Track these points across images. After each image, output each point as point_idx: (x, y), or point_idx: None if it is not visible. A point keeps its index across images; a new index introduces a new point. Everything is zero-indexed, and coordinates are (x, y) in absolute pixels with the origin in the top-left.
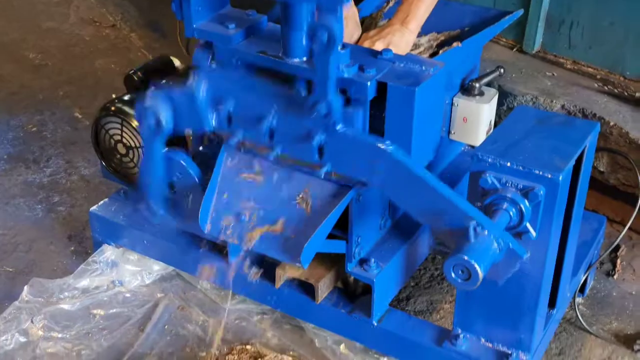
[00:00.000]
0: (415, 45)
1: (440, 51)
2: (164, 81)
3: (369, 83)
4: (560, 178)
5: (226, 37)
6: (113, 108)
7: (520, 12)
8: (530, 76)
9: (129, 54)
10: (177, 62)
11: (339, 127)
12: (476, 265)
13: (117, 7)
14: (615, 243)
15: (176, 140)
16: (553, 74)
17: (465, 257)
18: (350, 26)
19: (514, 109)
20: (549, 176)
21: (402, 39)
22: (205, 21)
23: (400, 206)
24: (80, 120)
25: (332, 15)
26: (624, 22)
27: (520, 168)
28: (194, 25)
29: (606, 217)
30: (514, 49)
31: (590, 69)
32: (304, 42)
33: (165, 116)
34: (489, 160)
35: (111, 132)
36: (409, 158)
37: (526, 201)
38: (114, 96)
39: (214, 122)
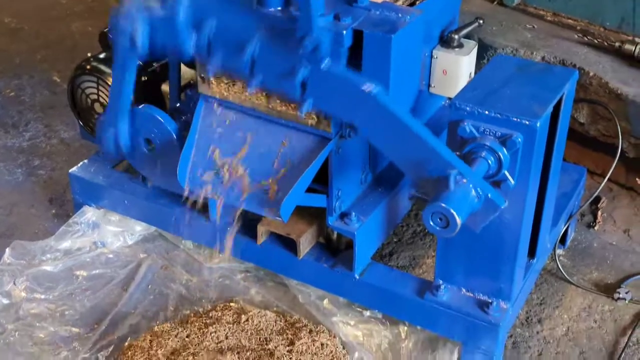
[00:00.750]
0: None
1: (418, 1)
2: None
3: (344, 32)
4: (538, 125)
5: None
6: (88, 67)
7: None
8: (510, 29)
9: (107, 16)
10: None
11: (324, 63)
12: (454, 213)
13: None
14: (595, 194)
15: (152, 98)
16: (533, 26)
17: (444, 205)
18: None
19: (493, 57)
20: (527, 123)
21: None
22: None
23: (380, 150)
24: (58, 84)
25: None
26: None
27: (498, 116)
28: None
29: (587, 169)
30: (494, 2)
31: (570, 21)
32: None
33: (141, 35)
34: (467, 108)
35: (87, 91)
36: (394, 102)
37: (504, 149)
38: (89, 55)
39: (193, 47)
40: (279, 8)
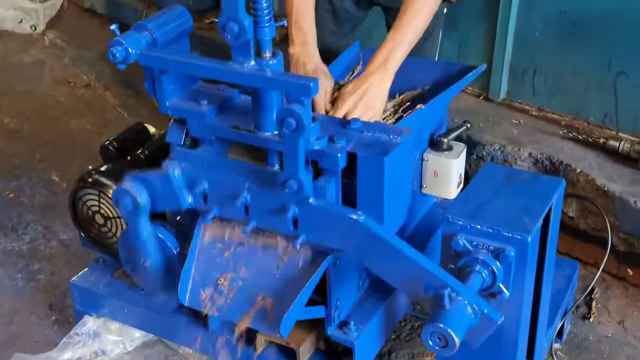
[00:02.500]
0: (384, 111)
1: (405, 115)
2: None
3: (339, 154)
4: (529, 239)
5: (200, 113)
6: (90, 180)
7: (484, 67)
8: (496, 124)
9: (105, 112)
10: (152, 129)
11: (311, 200)
12: (452, 333)
13: (91, 67)
14: (590, 287)
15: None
16: (519, 122)
17: (442, 325)
18: (322, 78)
19: (482, 166)
20: (518, 237)
21: (380, 88)
22: (177, 98)
23: (375, 273)
24: (57, 183)
25: (300, 104)
26: (584, 70)
27: (490, 230)
28: (167, 104)
29: (579, 260)
30: (481, 97)
31: (555, 116)
32: (274, 117)
33: (142, 198)
34: (460, 222)
35: (89, 203)
36: (381, 227)
37: (498, 262)
38: (90, 167)
39: (190, 200)
40: (276, 132)
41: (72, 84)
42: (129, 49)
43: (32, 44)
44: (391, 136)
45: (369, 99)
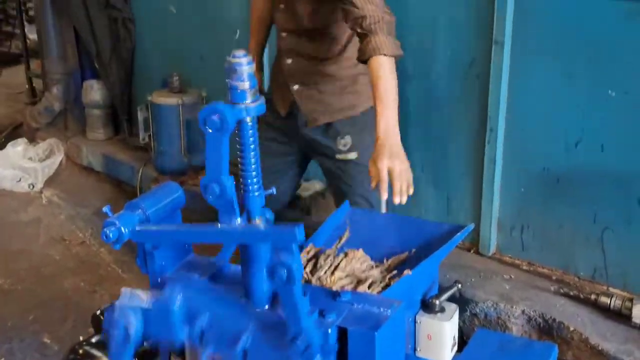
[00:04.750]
0: (367, 279)
1: (392, 282)
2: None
3: (330, 330)
4: None
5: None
6: (81, 351)
7: (471, 226)
8: (488, 279)
9: (99, 269)
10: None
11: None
12: None
13: (86, 223)
14: None
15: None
16: (510, 277)
17: None
18: None
19: (475, 332)
20: None
21: (398, 146)
22: (169, 272)
23: None
24: (49, 345)
25: (288, 253)
26: (571, 225)
27: None
28: (159, 279)
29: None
30: (471, 251)
31: (545, 270)
32: (264, 288)
33: (134, 327)
34: None
35: None
36: None
37: None
38: (81, 338)
39: (185, 339)
40: (266, 307)
41: (67, 242)
42: (122, 229)
43: (29, 203)
44: (382, 309)
45: (398, 154)
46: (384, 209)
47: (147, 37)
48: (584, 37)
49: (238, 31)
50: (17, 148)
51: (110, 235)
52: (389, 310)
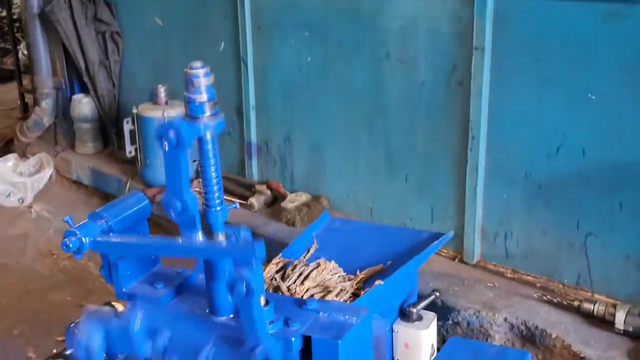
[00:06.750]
0: (341, 290)
1: (362, 292)
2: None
3: (293, 339)
4: None
5: (154, 298)
6: None
7: (451, 234)
8: (472, 288)
9: (86, 284)
10: (120, 308)
11: None
12: None
13: None
14: None
15: None
16: (494, 284)
17: None
18: None
19: (448, 339)
20: None
21: None
22: (135, 283)
23: None
24: None
25: (248, 268)
26: (554, 232)
27: None
28: (123, 289)
29: None
30: (456, 259)
31: (530, 277)
32: (227, 301)
33: (96, 345)
34: None
35: None
36: None
37: None
38: (54, 351)
39: (148, 353)
40: (231, 316)
41: (55, 256)
42: (83, 239)
43: (18, 217)
44: (347, 317)
45: None
46: None
47: (135, 50)
48: (562, 40)
49: (223, 43)
50: (8, 163)
51: (71, 245)
52: (355, 319)
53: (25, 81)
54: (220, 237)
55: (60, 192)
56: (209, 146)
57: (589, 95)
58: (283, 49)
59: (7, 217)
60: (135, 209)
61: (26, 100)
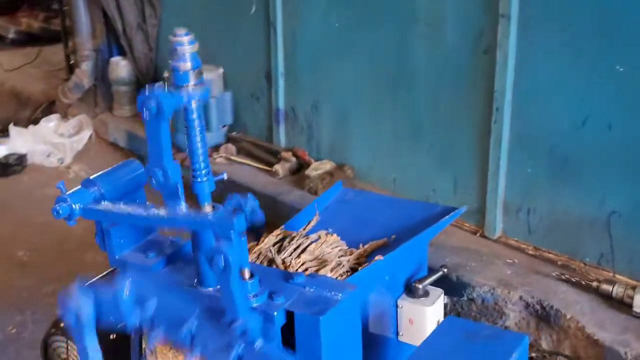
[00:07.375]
0: (338, 264)
1: (360, 267)
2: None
3: (275, 313)
4: None
5: (145, 266)
6: (62, 324)
7: (463, 209)
8: (490, 264)
9: None
10: None
11: (257, 343)
12: None
13: None
14: None
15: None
16: (514, 261)
17: None
18: None
19: (444, 319)
20: None
21: None
22: (128, 251)
23: None
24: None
25: (226, 241)
26: (577, 209)
27: None
28: (117, 257)
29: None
30: (477, 234)
31: (551, 255)
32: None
33: (86, 312)
34: None
35: (58, 350)
36: None
37: None
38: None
39: (137, 321)
40: (218, 287)
41: None
42: (73, 206)
43: (57, 177)
44: (333, 292)
45: None
46: None
47: (171, 14)
48: (592, 8)
49: (254, 6)
50: (50, 124)
51: (61, 212)
52: (340, 295)
53: (71, 43)
54: (207, 209)
55: (98, 154)
56: (194, 115)
57: (617, 67)
58: (311, 14)
59: (47, 177)
60: (129, 177)
61: (72, 62)
